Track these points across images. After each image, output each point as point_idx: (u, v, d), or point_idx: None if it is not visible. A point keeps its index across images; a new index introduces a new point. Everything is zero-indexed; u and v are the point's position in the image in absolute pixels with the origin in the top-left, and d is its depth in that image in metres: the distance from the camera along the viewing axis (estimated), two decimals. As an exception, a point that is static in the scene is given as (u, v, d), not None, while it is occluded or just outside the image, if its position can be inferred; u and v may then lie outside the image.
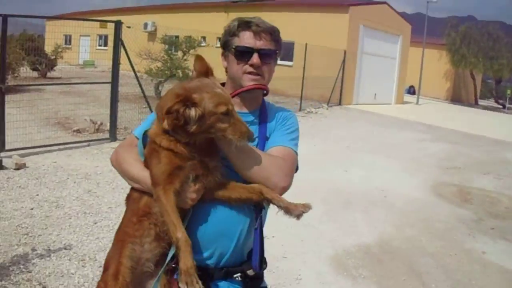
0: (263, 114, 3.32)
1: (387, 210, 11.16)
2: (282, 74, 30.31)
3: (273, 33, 3.21)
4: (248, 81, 3.17)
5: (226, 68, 3.30)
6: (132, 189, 3.12)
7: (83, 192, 10.43)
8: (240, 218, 3.09)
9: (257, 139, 3.14)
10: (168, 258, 2.91)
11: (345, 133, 21.60)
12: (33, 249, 7.50)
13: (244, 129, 2.78)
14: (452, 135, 24.72)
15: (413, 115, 31.80)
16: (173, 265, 2.96)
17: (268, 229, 9.01)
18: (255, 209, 3.13)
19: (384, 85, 38.43)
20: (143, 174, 2.94)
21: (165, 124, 2.73)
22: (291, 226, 9.39)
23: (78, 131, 16.59)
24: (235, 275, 3.17)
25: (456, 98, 58.09)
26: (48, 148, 13.82)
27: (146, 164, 2.96)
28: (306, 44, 28.51)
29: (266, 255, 6.14)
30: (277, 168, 3.02)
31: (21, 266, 6.94)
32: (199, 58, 3.04)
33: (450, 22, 60.14)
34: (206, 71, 2.96)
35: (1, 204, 9.35)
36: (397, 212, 11.08)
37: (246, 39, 3.16)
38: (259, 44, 3.15)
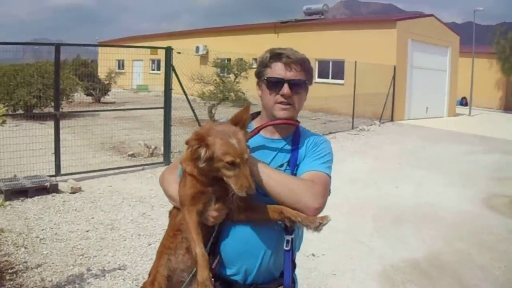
0: (295, 140, 3.42)
1: (437, 224, 11.04)
2: (334, 93, 30.49)
3: (303, 63, 3.32)
4: (279, 111, 3.30)
5: (260, 97, 3.44)
6: (174, 206, 3.34)
7: (137, 215, 10.65)
8: (265, 236, 3.21)
9: (285, 165, 3.31)
10: (194, 271, 3.07)
11: (397, 149, 21.44)
12: (88, 269, 7.74)
13: (245, 184, 2.88)
14: (504, 146, 24.14)
15: (465, 127, 31.29)
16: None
17: (318, 248, 9.14)
18: (285, 231, 3.24)
19: (435, 98, 37.85)
20: (176, 196, 3.18)
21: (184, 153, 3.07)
22: (342, 244, 9.55)
23: (132, 155, 16.86)
24: None
25: (509, 107, 56.03)
26: (103, 172, 14.14)
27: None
28: (355, 62, 28.41)
29: (315, 272, 6.11)
30: (306, 191, 3.08)
31: (76, 285, 7.19)
32: (246, 107, 3.20)
33: (499, 29, 57.66)
34: (242, 122, 3.11)
35: (57, 227, 9.65)
36: (447, 226, 10.97)
37: (277, 70, 3.29)
38: (289, 75, 3.27)
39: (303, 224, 3.04)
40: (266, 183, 3.07)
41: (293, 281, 3.42)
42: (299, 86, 3.33)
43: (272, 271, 3.32)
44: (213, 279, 3.02)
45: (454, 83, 40.28)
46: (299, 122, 3.46)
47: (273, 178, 3.06)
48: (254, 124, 3.45)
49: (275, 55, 3.32)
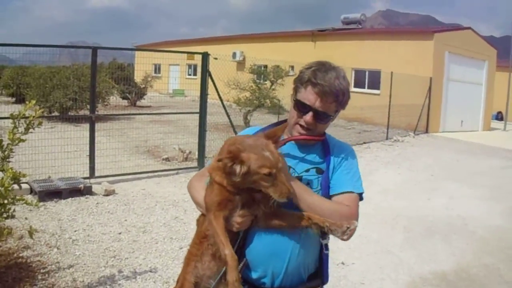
0: (325, 146, 3.48)
1: (468, 238, 10.96)
2: (370, 103, 30.41)
3: (337, 96, 3.32)
4: (296, 132, 3.37)
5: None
6: (200, 213, 3.40)
7: (170, 219, 10.70)
8: (291, 239, 3.23)
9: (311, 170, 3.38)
10: (220, 274, 3.15)
11: (430, 161, 21.25)
12: (120, 271, 7.79)
13: (285, 191, 2.94)
14: (540, 161, 23.84)
15: (500, 141, 30.90)
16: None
17: (349, 257, 9.16)
18: (321, 236, 3.33)
19: (470, 112, 37.48)
20: (204, 201, 3.23)
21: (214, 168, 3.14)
22: (372, 254, 9.53)
23: (167, 159, 16.94)
24: None
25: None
26: (137, 176, 14.25)
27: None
28: (391, 73, 28.32)
29: (344, 281, 5.99)
30: (340, 216, 3.16)
31: (108, 287, 7.25)
32: (284, 126, 3.29)
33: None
34: (275, 138, 3.15)
35: (90, 228, 9.73)
36: (477, 240, 10.87)
37: (309, 95, 3.30)
38: (318, 105, 3.29)
39: (331, 229, 3.10)
40: (302, 208, 3.17)
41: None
42: (322, 118, 3.36)
43: (300, 273, 3.36)
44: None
45: (490, 97, 39.88)
46: (323, 138, 3.49)
47: (311, 203, 3.13)
48: (287, 130, 3.46)
49: (312, 80, 3.30)
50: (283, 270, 3.27)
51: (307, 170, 3.38)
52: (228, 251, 2.95)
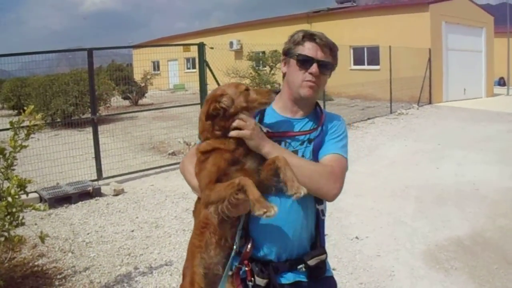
0: (317, 117, 3.51)
1: (480, 202, 10.96)
2: (371, 79, 30.35)
3: (332, 48, 3.42)
4: (305, 88, 3.37)
5: (284, 74, 3.53)
6: (196, 203, 3.45)
7: (181, 211, 10.73)
8: (293, 213, 3.25)
9: (305, 143, 3.40)
10: (230, 261, 3.23)
11: (436, 131, 21.25)
12: (136, 268, 7.81)
13: (266, 90, 3.27)
14: (544, 122, 23.74)
15: (504, 106, 30.81)
16: (238, 265, 3.31)
17: (362, 231, 9.16)
18: (316, 202, 3.37)
19: (472, 79, 37.43)
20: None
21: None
22: (385, 226, 9.55)
23: (173, 153, 16.92)
24: (298, 267, 3.33)
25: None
26: (145, 173, 14.28)
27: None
28: (390, 47, 28.27)
29: (359, 255, 5.92)
30: (326, 179, 3.20)
31: (125, 284, 7.26)
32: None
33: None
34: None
35: (102, 229, 9.75)
36: (489, 204, 10.86)
37: (309, 49, 3.36)
38: (320, 55, 3.35)
39: (284, 182, 3.03)
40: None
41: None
42: (326, 68, 3.40)
43: (304, 244, 3.38)
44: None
45: (490, 63, 39.79)
46: (315, 130, 3.48)
47: (295, 166, 3.10)
48: (272, 104, 3.50)
49: (309, 35, 3.40)
50: (288, 244, 3.30)
51: (302, 143, 3.41)
52: (238, 180, 2.93)
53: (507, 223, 9.64)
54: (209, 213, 3.06)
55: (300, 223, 3.30)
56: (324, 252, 3.42)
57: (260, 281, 3.27)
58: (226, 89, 3.17)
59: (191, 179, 3.38)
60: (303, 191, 2.96)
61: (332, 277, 3.57)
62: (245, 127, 3.10)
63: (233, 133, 3.10)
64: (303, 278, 3.36)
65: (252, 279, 3.28)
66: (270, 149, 3.13)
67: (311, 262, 3.33)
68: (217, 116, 3.09)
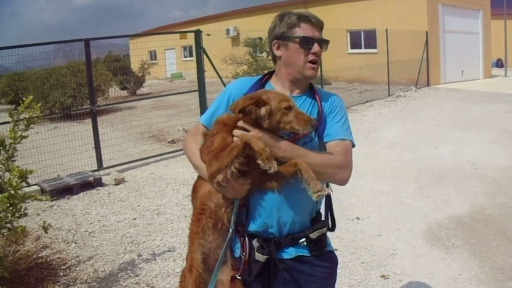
0: (314, 94, 3.55)
1: (479, 181, 11.02)
2: (368, 62, 30.31)
3: (322, 26, 3.50)
4: (309, 70, 3.42)
5: (278, 57, 3.52)
6: (193, 186, 3.49)
7: (182, 198, 10.78)
8: (294, 190, 3.23)
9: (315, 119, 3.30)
10: (225, 244, 3.32)
11: (434, 113, 21.24)
12: (139, 255, 7.87)
13: (306, 118, 3.11)
14: (541, 102, 23.72)
15: (502, 87, 30.64)
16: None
17: (363, 211, 9.23)
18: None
19: (470, 61, 37.31)
20: (200, 163, 3.28)
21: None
22: (385, 206, 9.62)
23: (172, 141, 16.99)
24: (300, 241, 3.38)
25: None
26: (145, 161, 14.32)
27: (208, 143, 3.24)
28: (386, 30, 28.23)
29: (360, 235, 5.97)
30: (339, 168, 3.28)
31: (129, 272, 7.33)
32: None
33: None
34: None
35: (105, 219, 9.80)
36: (488, 182, 10.91)
37: (308, 30, 3.40)
38: (317, 34, 3.43)
39: (307, 183, 3.06)
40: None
41: (334, 224, 3.63)
42: (325, 45, 3.47)
43: (305, 219, 3.42)
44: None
45: (487, 45, 39.72)
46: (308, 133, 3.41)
47: (309, 163, 3.13)
48: (272, 83, 3.56)
49: (304, 17, 3.43)
50: (289, 219, 3.33)
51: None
52: (235, 139, 3.05)
53: (506, 200, 9.69)
54: (216, 182, 3.04)
55: (302, 200, 3.29)
56: (325, 226, 3.47)
57: (260, 257, 3.32)
58: (271, 100, 3.11)
59: (192, 157, 3.42)
60: (326, 192, 3.08)
61: (332, 252, 3.62)
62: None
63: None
64: (305, 253, 3.40)
65: (244, 253, 3.34)
66: (284, 154, 3.11)
67: (313, 235, 3.38)
68: (248, 115, 3.09)
